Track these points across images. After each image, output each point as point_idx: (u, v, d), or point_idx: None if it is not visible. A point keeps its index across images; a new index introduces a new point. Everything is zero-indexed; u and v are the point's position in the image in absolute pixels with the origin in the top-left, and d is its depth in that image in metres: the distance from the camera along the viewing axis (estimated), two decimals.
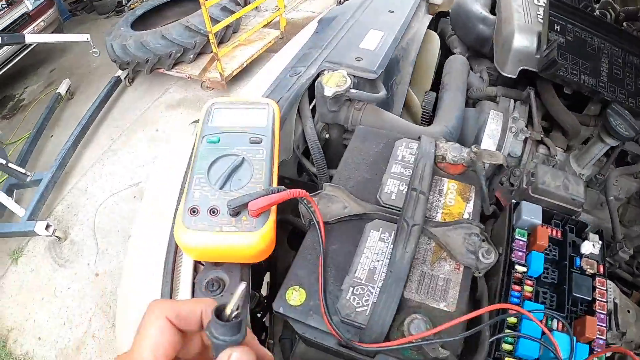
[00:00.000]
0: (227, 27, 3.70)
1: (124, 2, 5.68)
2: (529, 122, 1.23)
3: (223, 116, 0.78)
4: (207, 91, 3.97)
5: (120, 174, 3.31)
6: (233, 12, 3.74)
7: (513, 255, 0.73)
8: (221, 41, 3.78)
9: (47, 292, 2.65)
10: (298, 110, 1.10)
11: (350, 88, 0.97)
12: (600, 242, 0.80)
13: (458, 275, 0.65)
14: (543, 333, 0.63)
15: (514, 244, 0.74)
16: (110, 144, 3.61)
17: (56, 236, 2.78)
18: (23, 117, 4.14)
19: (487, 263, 0.67)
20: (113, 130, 3.74)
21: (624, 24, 1.29)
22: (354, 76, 1.06)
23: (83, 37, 4.00)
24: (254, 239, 0.63)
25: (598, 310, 0.73)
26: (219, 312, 0.36)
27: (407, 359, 0.58)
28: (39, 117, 3.64)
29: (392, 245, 0.66)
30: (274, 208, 0.66)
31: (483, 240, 0.70)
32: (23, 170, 2.97)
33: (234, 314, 0.36)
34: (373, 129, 0.89)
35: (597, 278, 0.76)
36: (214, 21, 3.44)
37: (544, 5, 1.23)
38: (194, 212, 0.64)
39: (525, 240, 0.75)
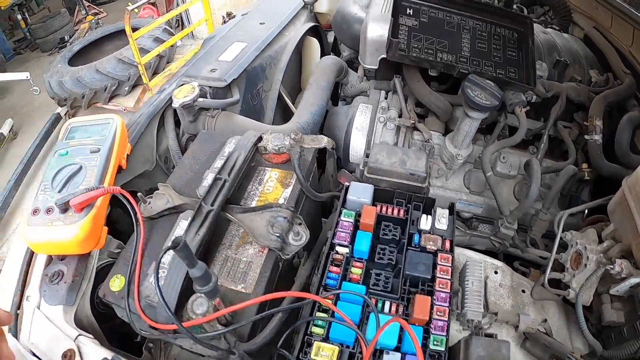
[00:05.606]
0: (161, 57, 3.69)
1: (66, 39, 5.61)
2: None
3: (76, 132, 0.89)
4: None
5: None
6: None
7: (335, 237, 0.72)
8: (155, 71, 3.76)
9: None
10: (164, 123, 1.12)
11: (197, 97, 1.00)
12: (448, 216, 0.79)
13: (261, 258, 0.65)
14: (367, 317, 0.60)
15: (338, 226, 0.74)
16: None
17: None
18: None
19: (297, 245, 0.67)
20: None
21: None
22: (209, 87, 1.09)
23: (23, 75, 3.96)
24: (74, 230, 0.72)
25: (438, 289, 0.69)
26: None
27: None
28: None
29: None
30: (100, 204, 0.75)
31: (299, 224, 0.70)
32: None
33: None
34: (214, 132, 0.90)
35: (439, 254, 0.73)
36: (146, 52, 3.44)
37: None
38: (35, 212, 0.76)
39: (352, 221, 0.75)
